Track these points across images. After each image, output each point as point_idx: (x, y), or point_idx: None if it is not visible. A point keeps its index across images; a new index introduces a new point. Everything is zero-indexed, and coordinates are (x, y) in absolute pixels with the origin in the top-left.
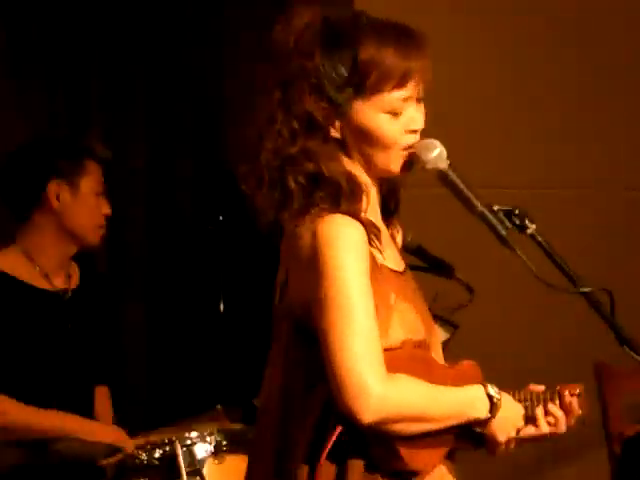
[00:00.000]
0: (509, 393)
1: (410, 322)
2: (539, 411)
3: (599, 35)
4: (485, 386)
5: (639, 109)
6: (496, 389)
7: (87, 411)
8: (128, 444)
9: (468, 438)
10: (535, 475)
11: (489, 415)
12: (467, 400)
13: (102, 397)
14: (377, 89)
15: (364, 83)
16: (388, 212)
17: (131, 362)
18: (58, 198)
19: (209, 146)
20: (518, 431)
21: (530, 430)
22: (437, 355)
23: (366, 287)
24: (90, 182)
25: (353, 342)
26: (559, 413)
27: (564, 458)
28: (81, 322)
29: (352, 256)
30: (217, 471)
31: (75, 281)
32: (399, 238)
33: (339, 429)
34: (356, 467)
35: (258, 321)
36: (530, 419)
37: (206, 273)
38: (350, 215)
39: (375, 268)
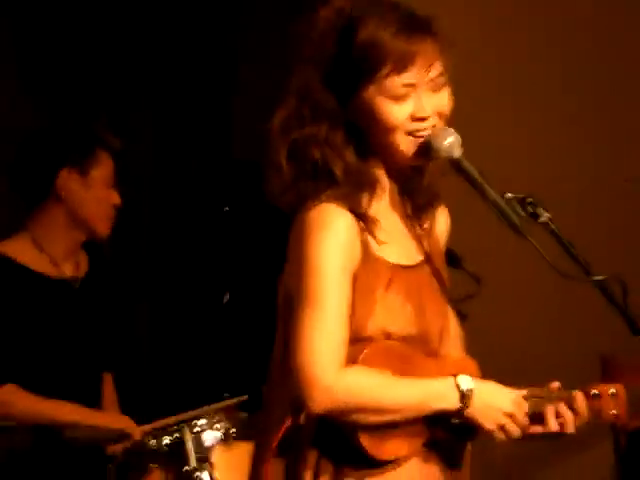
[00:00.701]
0: (523, 388)
1: (397, 316)
2: (549, 410)
3: (597, 33)
4: (455, 377)
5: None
6: (468, 380)
7: (94, 399)
8: (136, 431)
9: (449, 429)
10: (539, 465)
11: (461, 405)
12: (432, 392)
13: (108, 384)
14: (376, 72)
15: (364, 67)
16: (417, 206)
17: (138, 351)
18: (69, 187)
19: (218, 136)
20: (514, 419)
21: (537, 428)
22: (448, 350)
23: (341, 279)
24: (101, 172)
25: (312, 334)
26: (568, 414)
27: (569, 449)
28: (89, 310)
29: (333, 248)
30: (225, 458)
31: (84, 269)
32: (439, 229)
33: (288, 422)
34: (312, 455)
35: (263, 311)
36: (539, 416)
37: (211, 264)
38: (344, 204)
39: (367, 259)
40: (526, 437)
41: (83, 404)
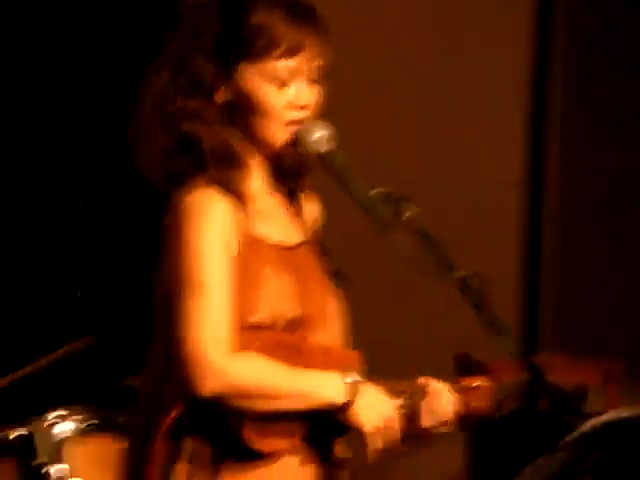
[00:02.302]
0: (389, 384)
1: (283, 298)
2: (423, 407)
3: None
4: (345, 374)
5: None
6: (356, 377)
7: None
8: None
9: (326, 425)
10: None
11: (347, 401)
12: (320, 384)
13: None
14: (263, 55)
15: (251, 47)
16: (289, 189)
17: None
18: None
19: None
20: (391, 427)
21: (413, 424)
22: (331, 332)
23: (222, 263)
24: None
25: (198, 319)
26: (441, 409)
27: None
28: None
29: (211, 232)
30: (79, 452)
31: None
32: (310, 214)
33: (178, 409)
34: (188, 444)
35: (118, 307)
36: (413, 414)
37: (64, 260)
38: (220, 184)
39: (248, 241)
40: (402, 441)
41: None
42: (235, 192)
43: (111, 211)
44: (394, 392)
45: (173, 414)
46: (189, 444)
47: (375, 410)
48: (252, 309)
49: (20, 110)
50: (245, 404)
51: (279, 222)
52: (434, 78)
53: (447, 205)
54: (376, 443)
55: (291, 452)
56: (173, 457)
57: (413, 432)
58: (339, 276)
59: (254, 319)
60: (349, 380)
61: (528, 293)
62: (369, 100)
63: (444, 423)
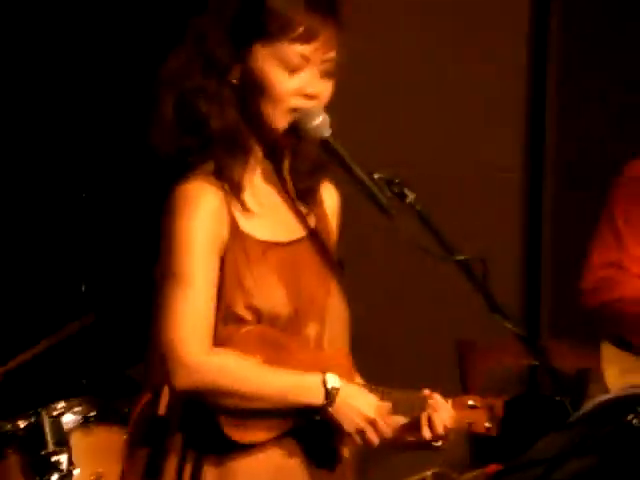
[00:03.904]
0: (394, 392)
1: (268, 294)
2: (423, 418)
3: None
4: (324, 375)
5: (512, 96)
6: (335, 379)
7: None
8: None
9: (312, 424)
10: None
11: (324, 402)
12: (298, 385)
13: None
14: (277, 37)
15: (266, 28)
16: (299, 189)
17: None
18: None
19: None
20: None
21: (409, 436)
22: (329, 326)
23: (207, 256)
24: None
25: (179, 310)
26: (441, 422)
27: None
28: None
29: (198, 224)
30: (85, 442)
31: None
32: (328, 206)
33: (147, 397)
34: (177, 441)
35: (124, 300)
36: (412, 424)
37: (68, 253)
38: (218, 170)
39: (236, 236)
40: (397, 446)
41: None
42: (231, 180)
43: (114, 203)
44: (395, 401)
45: (143, 400)
46: (178, 441)
47: (354, 410)
48: (233, 304)
49: (23, 104)
50: (218, 401)
51: (274, 216)
52: (434, 66)
53: (447, 190)
54: (358, 442)
55: (275, 445)
56: (158, 448)
57: (409, 441)
58: (339, 267)
59: (236, 312)
60: (328, 383)
61: (528, 277)
62: (371, 89)
63: (441, 437)
